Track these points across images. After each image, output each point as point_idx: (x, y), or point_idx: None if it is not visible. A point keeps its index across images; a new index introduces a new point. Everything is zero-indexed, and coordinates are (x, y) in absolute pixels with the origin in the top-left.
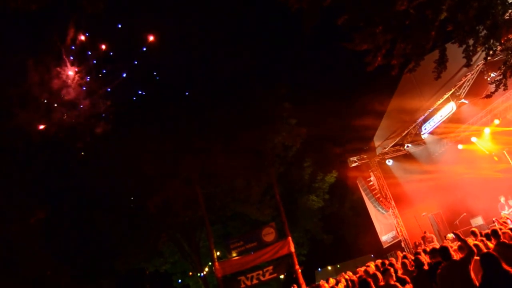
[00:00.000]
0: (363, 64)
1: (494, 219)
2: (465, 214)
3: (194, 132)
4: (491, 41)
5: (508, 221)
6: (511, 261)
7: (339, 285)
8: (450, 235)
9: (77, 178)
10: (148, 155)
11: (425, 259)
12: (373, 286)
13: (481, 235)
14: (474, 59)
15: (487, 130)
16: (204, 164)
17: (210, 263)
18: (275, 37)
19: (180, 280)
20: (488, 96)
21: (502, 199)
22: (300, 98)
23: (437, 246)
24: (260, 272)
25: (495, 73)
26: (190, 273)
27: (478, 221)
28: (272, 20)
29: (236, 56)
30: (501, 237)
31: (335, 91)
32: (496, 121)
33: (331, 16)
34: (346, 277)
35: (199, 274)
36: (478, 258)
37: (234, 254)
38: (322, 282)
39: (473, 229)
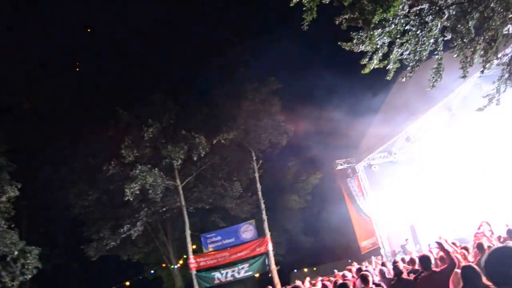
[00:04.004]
0: (358, 66)
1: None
2: (446, 225)
3: (179, 120)
4: (489, 54)
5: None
6: None
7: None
8: (434, 245)
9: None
10: (129, 140)
11: (404, 267)
12: None
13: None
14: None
15: (476, 141)
16: (187, 153)
17: (185, 256)
18: (271, 31)
19: (152, 271)
20: (480, 110)
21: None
22: (291, 96)
23: (416, 255)
24: (236, 269)
25: (488, 88)
26: (164, 265)
27: (459, 233)
28: (270, 13)
29: (232, 47)
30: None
31: (327, 92)
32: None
33: (329, 14)
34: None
35: (172, 267)
36: (457, 270)
37: (211, 249)
38: (298, 282)
39: (454, 241)
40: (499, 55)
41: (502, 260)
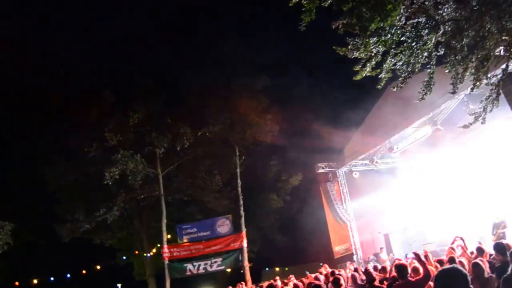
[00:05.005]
0: (349, 73)
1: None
2: (419, 238)
3: (165, 109)
4: (480, 73)
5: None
6: None
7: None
8: (411, 255)
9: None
10: (113, 123)
11: (376, 275)
12: None
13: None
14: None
15: (455, 160)
16: (170, 142)
17: (158, 245)
18: (265, 32)
19: (124, 257)
20: (465, 127)
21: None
22: (279, 96)
23: (389, 264)
24: (208, 262)
25: (475, 106)
26: (136, 252)
27: (431, 247)
28: (266, 14)
29: (225, 41)
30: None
31: (315, 96)
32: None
33: (326, 19)
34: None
35: (145, 254)
36: (431, 283)
37: (185, 240)
38: (266, 283)
39: (427, 253)
40: (489, 75)
41: (447, 280)
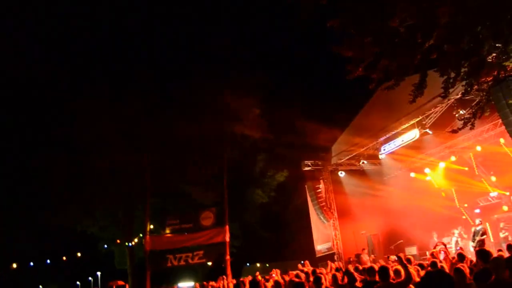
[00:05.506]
0: (342, 72)
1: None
2: (401, 241)
3: (158, 101)
4: (471, 78)
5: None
6: None
7: (268, 283)
8: (393, 257)
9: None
10: (106, 115)
11: (357, 276)
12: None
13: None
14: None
15: (441, 165)
16: (159, 135)
17: (141, 235)
18: (261, 27)
19: (106, 246)
20: (454, 131)
21: (435, 236)
22: (270, 91)
23: (368, 265)
24: (190, 254)
25: (464, 111)
26: (118, 241)
27: (412, 250)
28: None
29: (225, 34)
30: None
31: (306, 93)
32: (453, 158)
33: (323, 19)
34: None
35: (127, 243)
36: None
37: (168, 231)
38: (249, 277)
39: (409, 256)
40: (480, 81)
41: (434, 282)
